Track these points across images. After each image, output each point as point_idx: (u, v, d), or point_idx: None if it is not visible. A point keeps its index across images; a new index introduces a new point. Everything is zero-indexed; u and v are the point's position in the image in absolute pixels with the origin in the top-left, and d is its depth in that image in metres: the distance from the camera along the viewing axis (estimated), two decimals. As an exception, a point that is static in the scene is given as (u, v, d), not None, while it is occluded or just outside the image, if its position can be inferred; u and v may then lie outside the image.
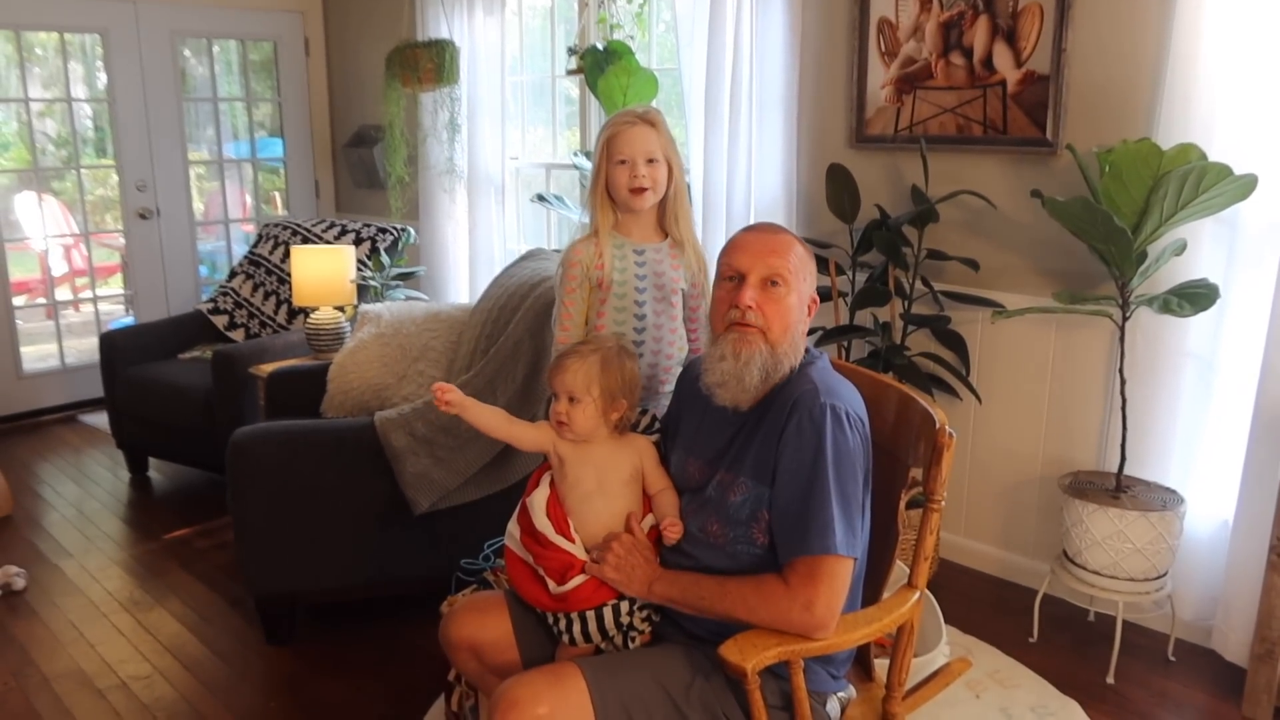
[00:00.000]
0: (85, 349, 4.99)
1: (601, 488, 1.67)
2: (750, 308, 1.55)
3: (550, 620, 1.68)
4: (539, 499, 1.68)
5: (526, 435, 1.72)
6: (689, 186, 3.48)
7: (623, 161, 1.97)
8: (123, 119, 4.86)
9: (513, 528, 1.72)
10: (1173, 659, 2.60)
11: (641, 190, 1.98)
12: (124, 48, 4.82)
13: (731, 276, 1.59)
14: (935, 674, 1.73)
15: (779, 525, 1.49)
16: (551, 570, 1.63)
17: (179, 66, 5.05)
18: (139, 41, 4.86)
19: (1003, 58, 2.81)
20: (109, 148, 4.95)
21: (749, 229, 1.66)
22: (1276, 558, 2.25)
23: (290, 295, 4.12)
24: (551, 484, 1.70)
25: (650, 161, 1.97)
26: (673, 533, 1.63)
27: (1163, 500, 2.50)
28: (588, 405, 1.66)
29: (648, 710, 1.47)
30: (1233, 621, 2.49)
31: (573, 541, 1.64)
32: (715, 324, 1.62)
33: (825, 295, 3.08)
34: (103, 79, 4.85)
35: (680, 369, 2.12)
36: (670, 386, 2.05)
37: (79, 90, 4.90)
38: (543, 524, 1.65)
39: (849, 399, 1.55)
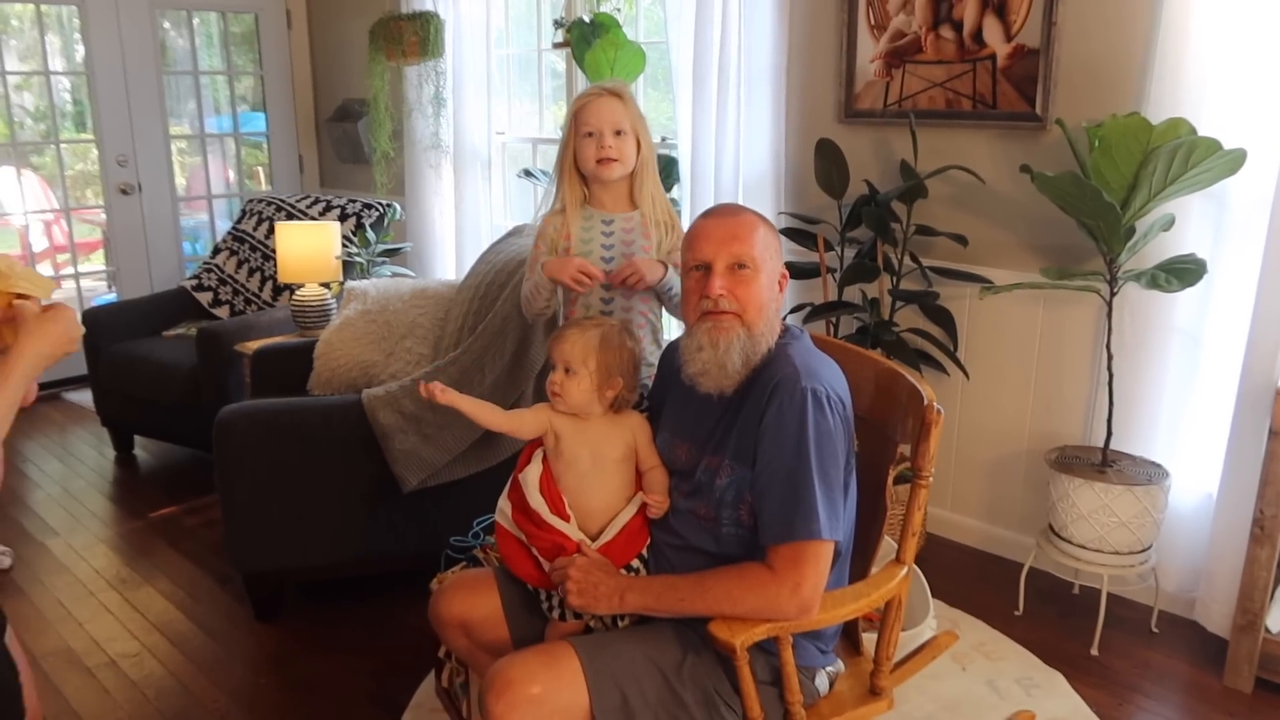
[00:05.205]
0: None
1: (597, 465, 1.66)
2: (722, 295, 1.54)
3: (542, 596, 1.69)
4: (532, 475, 1.67)
5: (527, 422, 1.71)
6: (676, 161, 3.50)
7: (590, 133, 1.97)
8: (102, 92, 4.78)
9: (503, 504, 1.72)
10: (1156, 631, 2.63)
11: (609, 160, 1.97)
12: (102, 19, 4.74)
13: (698, 266, 1.58)
14: (922, 647, 1.75)
15: (763, 510, 1.49)
16: (543, 551, 1.63)
17: (158, 39, 4.97)
18: (117, 13, 4.77)
19: (993, 31, 2.79)
20: (88, 122, 4.87)
21: (709, 215, 1.63)
22: (1259, 530, 2.28)
23: (275, 272, 4.08)
24: (544, 460, 1.70)
25: (618, 133, 1.97)
26: (657, 509, 1.64)
27: (1148, 474, 2.52)
28: (583, 378, 1.65)
29: (641, 688, 1.47)
30: (1215, 593, 2.52)
31: (568, 520, 1.64)
32: (688, 315, 1.61)
33: (814, 271, 3.08)
34: (81, 51, 4.77)
35: (654, 341, 2.11)
36: (649, 361, 2.04)
37: (56, 63, 4.81)
38: (537, 502, 1.64)
39: (829, 380, 1.53)
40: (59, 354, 1.35)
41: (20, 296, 1.38)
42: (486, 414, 1.71)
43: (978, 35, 2.83)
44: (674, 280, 1.98)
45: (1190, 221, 2.51)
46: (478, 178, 4.43)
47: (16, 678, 1.46)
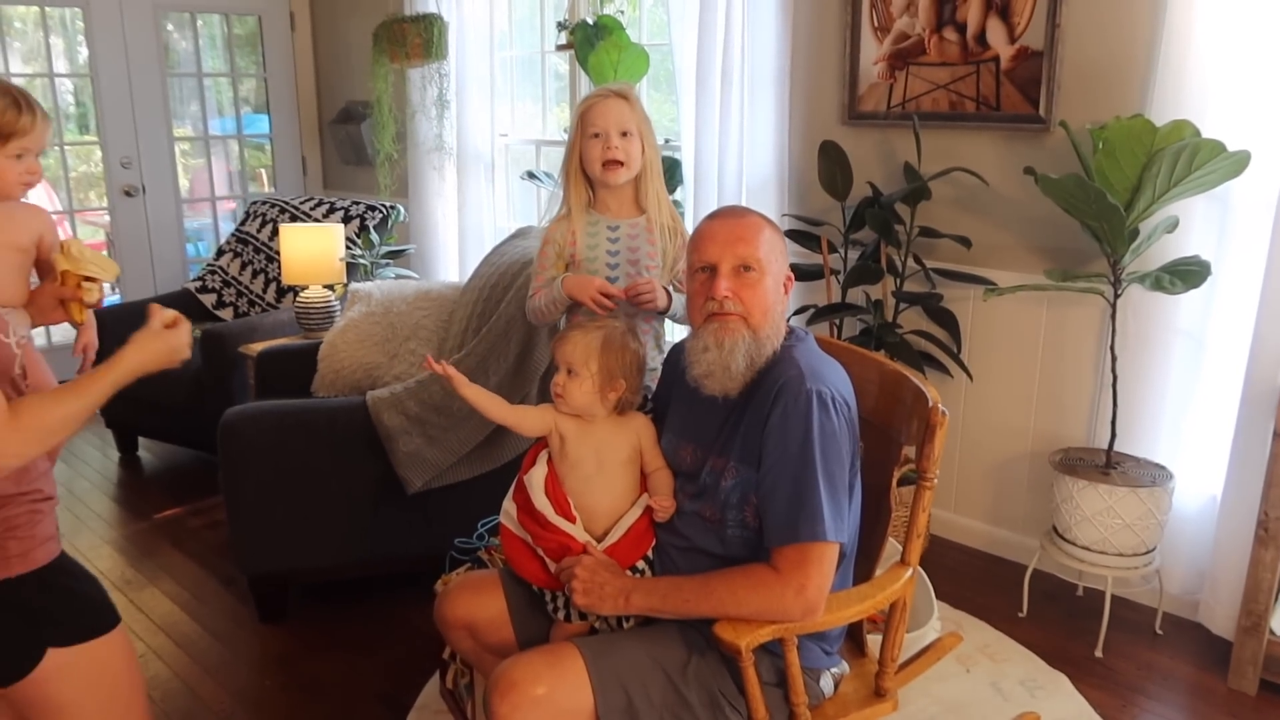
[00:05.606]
0: (72, 328, 4.94)
1: (601, 468, 1.66)
2: (727, 297, 1.54)
3: (547, 598, 1.69)
4: (537, 477, 1.67)
5: (528, 418, 1.71)
6: (680, 164, 3.51)
7: (596, 134, 1.97)
8: (105, 94, 4.79)
9: (509, 505, 1.72)
10: (1160, 632, 2.63)
11: (616, 163, 1.98)
12: (106, 21, 4.75)
13: (703, 268, 1.58)
14: (927, 649, 1.75)
15: (768, 511, 1.49)
16: (550, 551, 1.63)
17: (162, 41, 4.98)
18: (121, 15, 4.78)
19: (996, 33, 2.80)
20: (92, 124, 4.88)
21: (714, 217, 1.63)
22: (1264, 532, 2.28)
23: (279, 273, 4.09)
24: (549, 462, 1.70)
25: (624, 135, 1.97)
26: (663, 513, 1.64)
27: (1152, 476, 2.52)
28: (585, 380, 1.66)
29: (646, 689, 1.47)
30: (1219, 595, 2.52)
31: (573, 522, 1.64)
32: (694, 317, 1.61)
33: (817, 273, 3.08)
34: (84, 53, 4.78)
35: (655, 346, 2.12)
36: (651, 365, 2.04)
37: (60, 65, 4.82)
38: (542, 504, 1.64)
39: (833, 381, 1.54)
40: (159, 368, 1.40)
41: (88, 279, 1.44)
42: (490, 404, 1.72)
43: (981, 37, 2.83)
44: (677, 308, 1.99)
45: (1194, 223, 2.51)
46: (481, 180, 4.44)
47: (101, 589, 1.51)
